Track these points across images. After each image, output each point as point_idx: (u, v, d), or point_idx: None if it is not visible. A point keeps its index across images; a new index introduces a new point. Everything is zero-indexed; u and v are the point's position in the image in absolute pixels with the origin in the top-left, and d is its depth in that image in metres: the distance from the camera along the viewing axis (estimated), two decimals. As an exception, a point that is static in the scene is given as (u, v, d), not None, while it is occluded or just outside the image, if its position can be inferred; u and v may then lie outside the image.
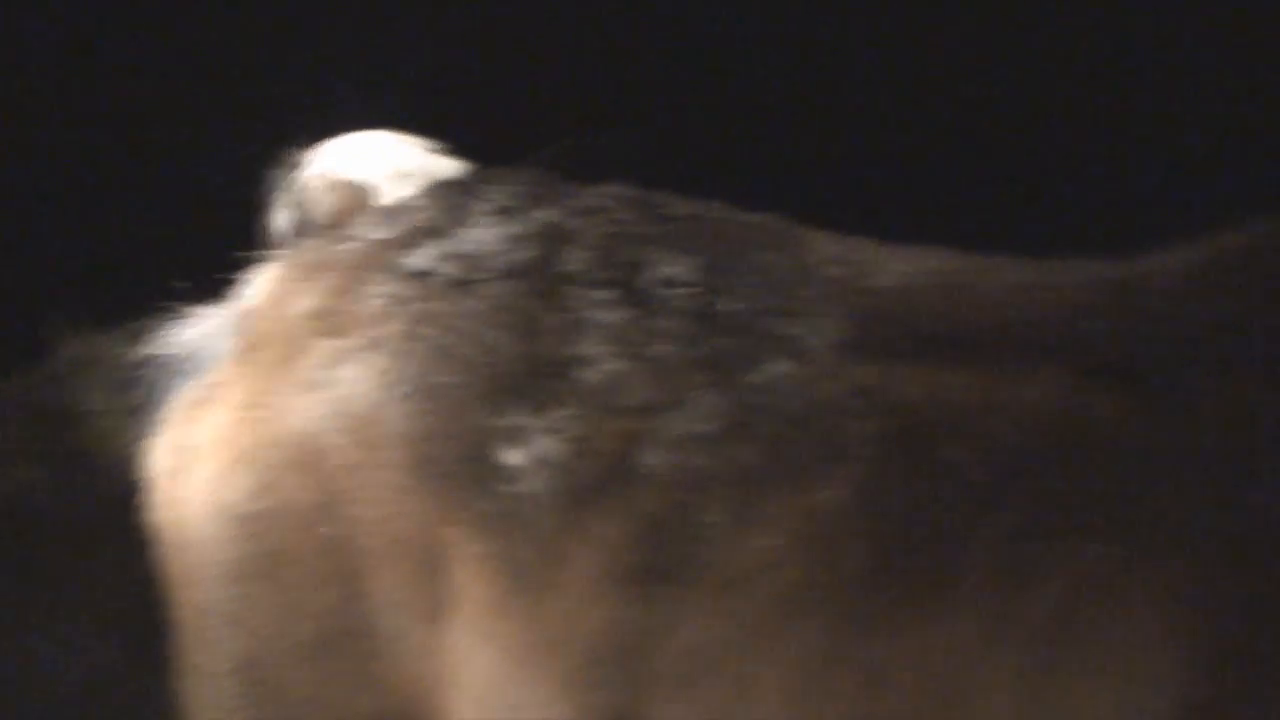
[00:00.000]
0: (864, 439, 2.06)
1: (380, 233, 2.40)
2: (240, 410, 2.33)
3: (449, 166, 2.72)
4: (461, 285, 2.26)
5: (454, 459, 2.18)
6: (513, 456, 2.17)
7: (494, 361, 2.20)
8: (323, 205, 2.56)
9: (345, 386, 2.25)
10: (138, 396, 2.50)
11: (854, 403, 2.10)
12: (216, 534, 2.32)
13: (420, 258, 2.33)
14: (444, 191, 2.43)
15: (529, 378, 2.20)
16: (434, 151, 2.86)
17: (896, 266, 2.25)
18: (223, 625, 2.34)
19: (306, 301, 2.34)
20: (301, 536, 2.27)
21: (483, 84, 3.88)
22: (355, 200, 2.55)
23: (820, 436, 2.09)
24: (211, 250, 2.48)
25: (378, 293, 2.29)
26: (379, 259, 2.36)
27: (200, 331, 2.47)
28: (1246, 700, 1.93)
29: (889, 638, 2.02)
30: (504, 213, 2.36)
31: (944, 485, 2.03)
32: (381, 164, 2.82)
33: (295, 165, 2.66)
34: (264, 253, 2.50)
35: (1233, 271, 2.08)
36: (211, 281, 2.50)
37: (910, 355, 2.12)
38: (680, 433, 2.16)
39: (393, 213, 2.44)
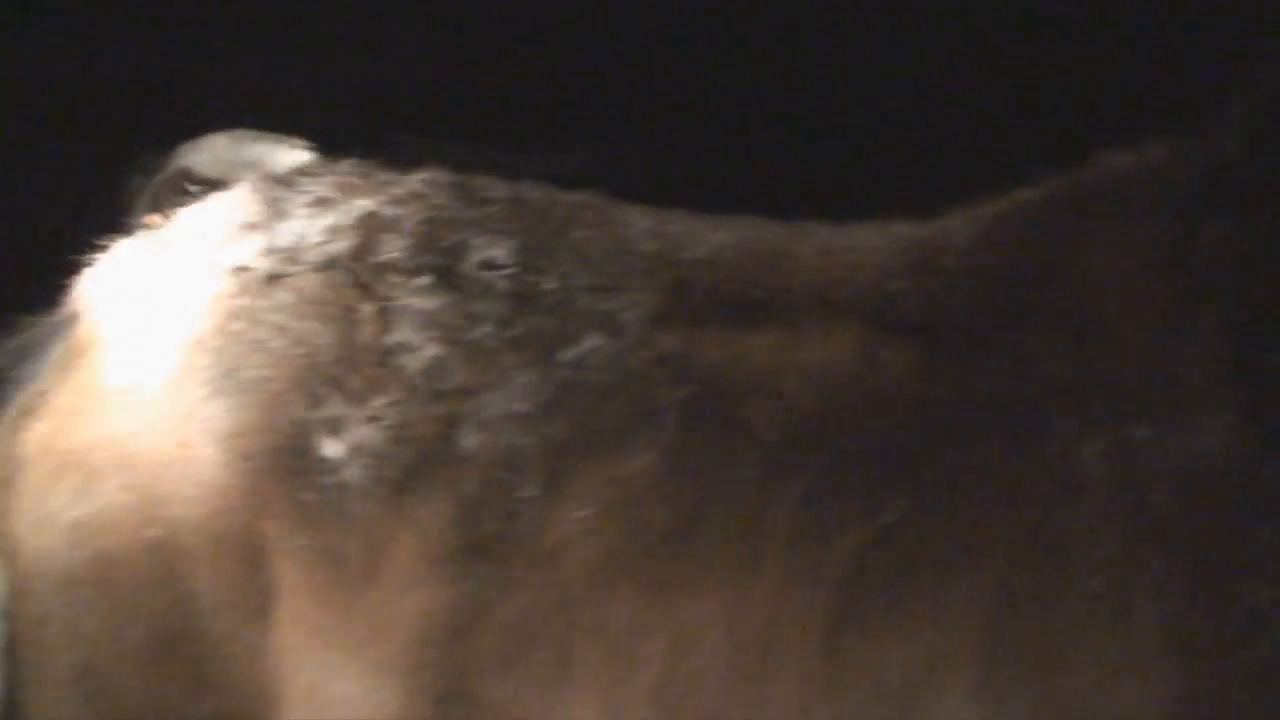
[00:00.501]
0: (669, 406, 2.07)
1: (200, 230, 2.39)
2: (62, 416, 2.31)
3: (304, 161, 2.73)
4: (275, 279, 2.24)
5: (270, 452, 2.16)
6: (331, 447, 2.16)
7: (309, 353, 2.19)
8: (176, 205, 2.55)
9: (161, 386, 2.23)
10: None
11: (661, 372, 2.11)
12: (45, 543, 2.30)
13: (238, 253, 2.31)
14: (264, 186, 2.41)
15: (345, 367, 2.18)
16: (295, 148, 2.87)
17: (709, 237, 2.25)
18: (58, 635, 2.31)
19: (124, 303, 2.32)
20: (126, 540, 2.25)
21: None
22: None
23: (628, 407, 2.10)
24: (50, 255, 2.46)
25: (194, 290, 2.28)
26: (197, 256, 2.34)
27: (28, 339, 2.44)
28: (1038, 639, 1.93)
29: (695, 600, 2.02)
30: (322, 204, 2.35)
31: (744, 447, 2.04)
32: (238, 162, 2.82)
33: (153, 168, 2.65)
34: (92, 257, 2.47)
35: (1021, 226, 2.09)
36: (48, 288, 2.48)
37: (717, 322, 2.13)
38: (496, 413, 2.15)
39: (214, 210, 2.42)
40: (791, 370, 2.06)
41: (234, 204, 2.41)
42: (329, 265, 2.24)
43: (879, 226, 2.18)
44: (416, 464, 2.14)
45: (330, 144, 2.67)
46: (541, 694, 2.09)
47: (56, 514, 2.28)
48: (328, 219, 2.32)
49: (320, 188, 2.37)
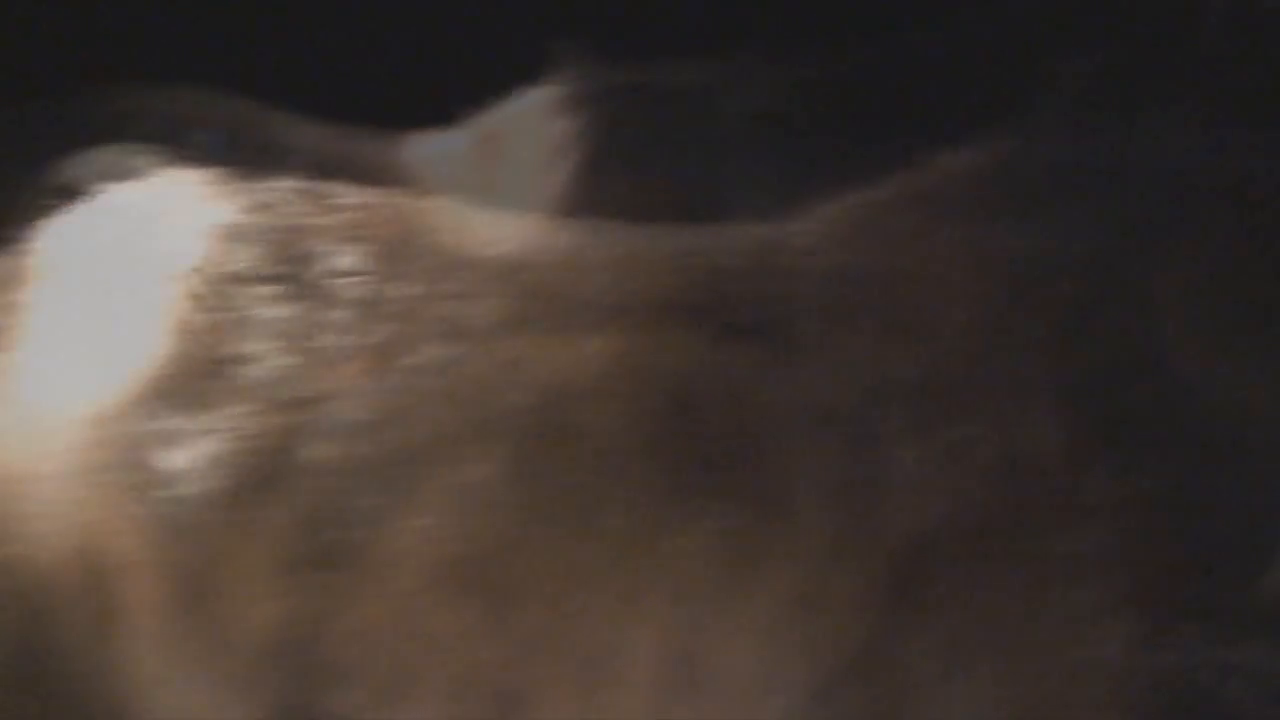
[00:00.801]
0: (511, 413, 2.05)
1: (53, 242, 2.37)
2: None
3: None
4: (115, 290, 2.23)
5: (112, 467, 2.15)
6: (170, 460, 2.15)
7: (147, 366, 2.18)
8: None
9: (16, 401, 2.23)
10: None
11: (504, 378, 2.09)
12: None
13: (110, 273, 2.31)
14: (126, 197, 2.40)
15: (183, 380, 2.17)
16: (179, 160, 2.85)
17: (561, 241, 2.23)
18: None
19: None
20: None
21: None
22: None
23: (470, 414, 2.08)
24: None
25: (41, 303, 2.27)
26: (50, 269, 2.33)
27: None
28: (857, 638, 1.92)
29: (536, 608, 2.01)
30: (173, 214, 2.34)
31: (581, 452, 2.02)
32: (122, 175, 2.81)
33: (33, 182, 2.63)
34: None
35: (858, 227, 2.09)
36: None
37: (559, 328, 2.11)
38: (337, 423, 2.13)
39: (78, 223, 2.41)
40: (629, 375, 2.05)
41: (97, 215, 2.41)
42: (173, 276, 2.23)
43: (723, 228, 2.16)
44: (256, 476, 2.13)
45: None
46: (382, 706, 2.07)
47: None
48: (177, 229, 2.31)
49: (174, 198, 2.36)
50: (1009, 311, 1.95)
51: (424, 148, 2.38)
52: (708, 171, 2.15)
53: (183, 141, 2.52)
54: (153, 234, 2.30)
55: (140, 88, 2.64)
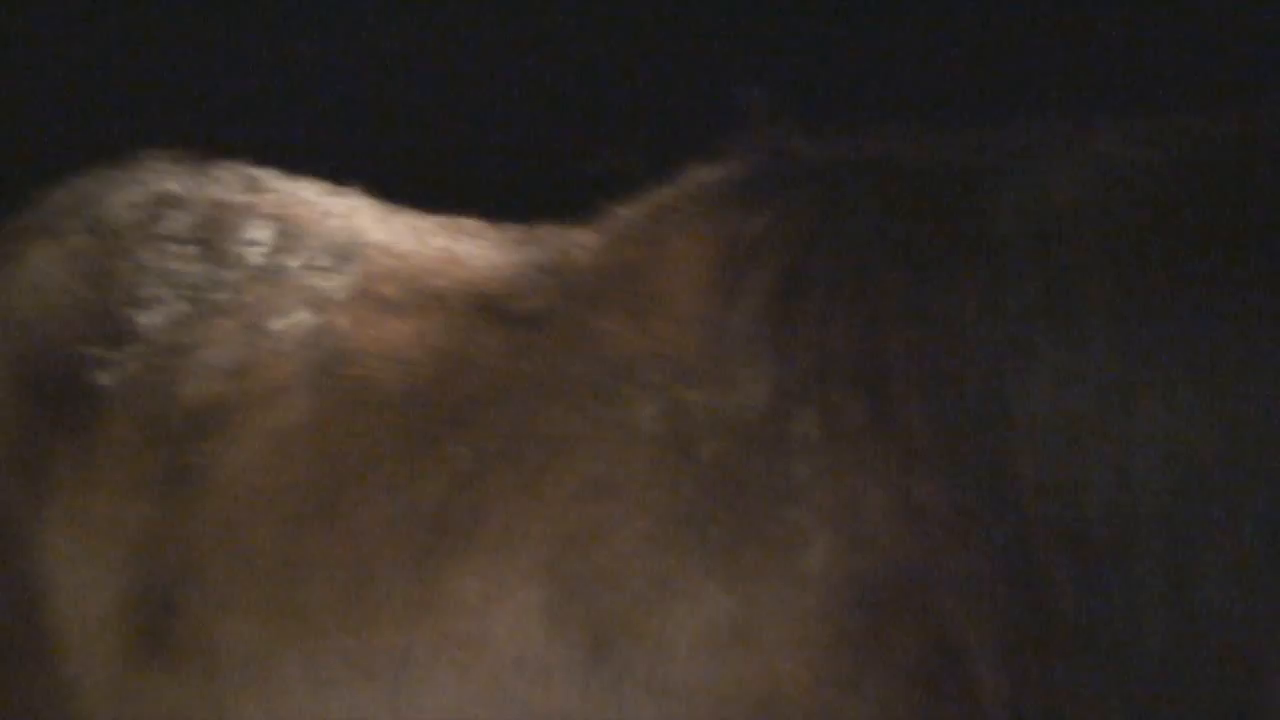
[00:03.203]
0: (319, 371, 2.40)
1: (57, 202, 2.84)
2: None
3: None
4: (60, 237, 2.67)
5: (49, 379, 2.58)
6: (100, 378, 2.56)
7: (71, 302, 2.60)
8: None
9: None
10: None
11: (324, 342, 2.43)
12: None
13: (68, 222, 2.76)
14: (108, 172, 2.85)
15: (99, 317, 2.59)
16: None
17: (420, 237, 2.59)
18: None
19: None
20: None
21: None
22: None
23: (293, 369, 2.43)
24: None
25: (10, 252, 2.73)
26: (44, 225, 2.79)
27: None
28: (593, 567, 2.19)
29: (318, 534, 2.34)
30: (136, 183, 2.77)
31: (372, 406, 2.38)
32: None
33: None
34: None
35: (619, 227, 2.39)
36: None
37: (383, 307, 2.46)
38: (206, 367, 2.51)
39: (84, 184, 2.87)
40: (419, 348, 2.41)
41: (90, 183, 2.86)
42: (98, 230, 2.66)
43: (531, 232, 2.48)
44: (144, 400, 2.53)
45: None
46: (215, 601, 2.43)
47: None
48: (136, 196, 2.75)
49: (151, 174, 2.81)
50: (733, 289, 2.18)
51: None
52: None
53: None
54: (106, 200, 2.74)
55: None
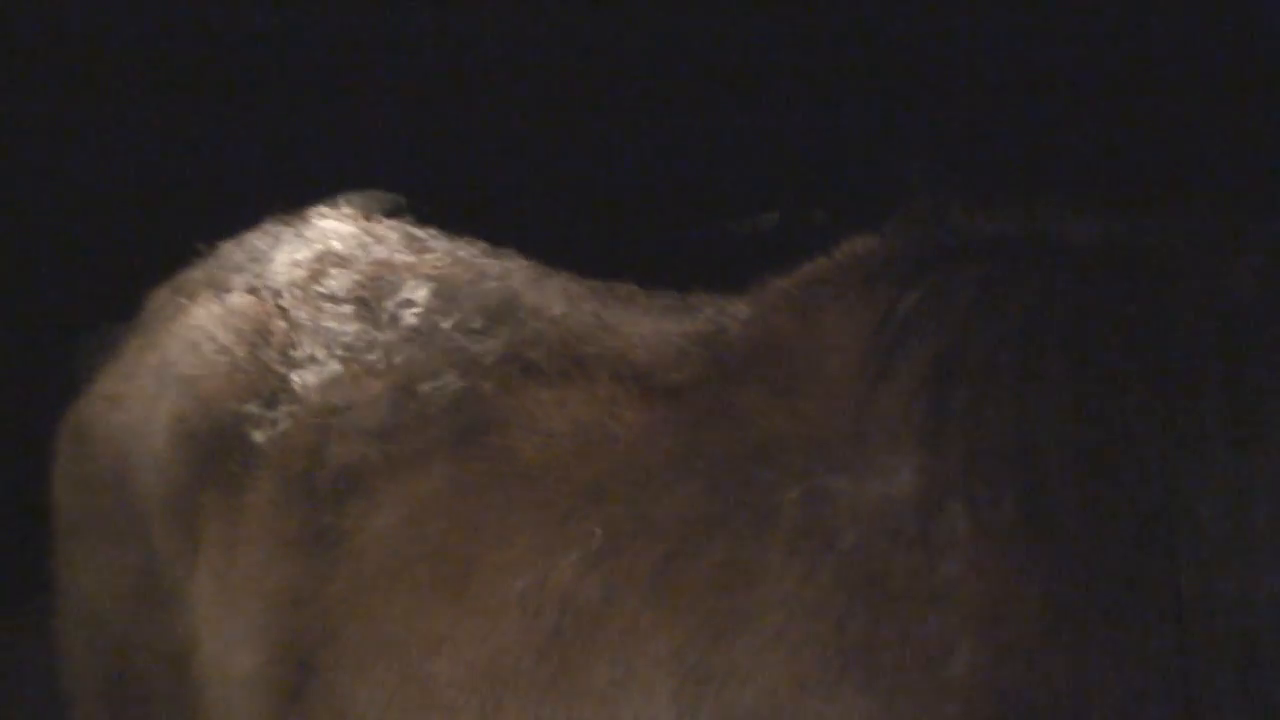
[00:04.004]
0: (457, 439, 2.35)
1: (226, 257, 2.86)
2: (94, 397, 2.85)
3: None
4: (221, 296, 2.69)
5: (208, 435, 2.59)
6: (248, 438, 2.56)
7: (229, 360, 2.61)
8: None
9: (135, 372, 2.73)
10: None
11: (467, 407, 2.39)
12: (62, 499, 2.83)
13: (235, 278, 2.78)
14: (276, 224, 2.87)
15: (256, 374, 2.59)
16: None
17: (572, 303, 2.52)
18: (69, 579, 2.84)
19: (146, 316, 2.84)
20: (111, 501, 2.74)
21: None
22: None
23: (434, 434, 2.39)
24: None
25: (176, 306, 2.76)
26: (211, 279, 2.82)
27: (107, 340, 3.00)
28: (725, 658, 2.08)
29: (449, 606, 2.30)
30: (301, 240, 2.78)
31: (511, 475, 2.32)
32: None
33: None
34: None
35: (772, 301, 2.30)
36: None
37: (532, 373, 2.40)
38: (353, 428, 2.49)
39: (244, 242, 2.90)
40: (560, 418, 2.34)
41: (259, 237, 2.88)
42: (259, 289, 2.66)
43: (684, 301, 2.39)
44: (298, 458, 2.52)
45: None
46: (350, 666, 2.40)
47: (68, 473, 2.81)
48: (300, 253, 2.75)
49: (317, 231, 2.81)
50: (883, 373, 2.06)
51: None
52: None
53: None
54: (272, 257, 2.75)
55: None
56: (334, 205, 3.20)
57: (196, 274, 2.86)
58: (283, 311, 2.65)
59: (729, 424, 2.17)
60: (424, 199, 3.08)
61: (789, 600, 2.05)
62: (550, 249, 2.73)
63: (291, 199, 3.03)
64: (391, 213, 2.97)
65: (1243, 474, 1.81)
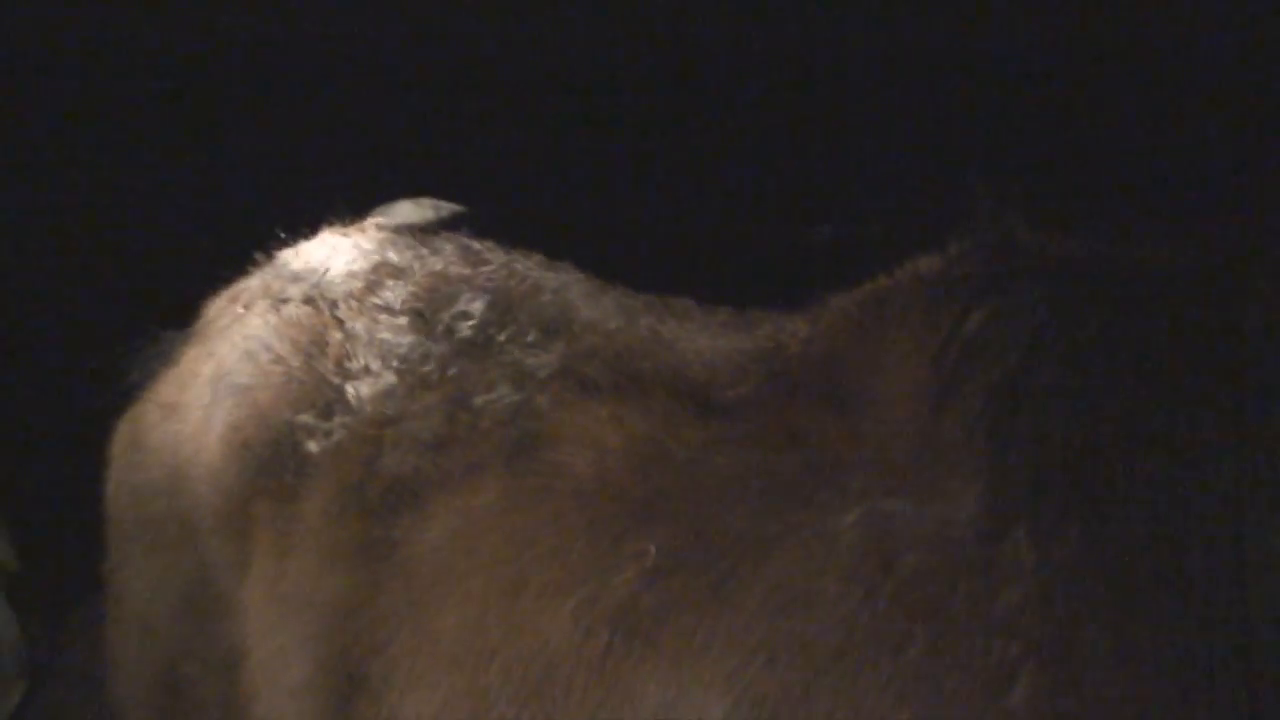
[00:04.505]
0: (510, 452, 2.33)
1: (284, 266, 2.86)
2: (147, 403, 2.85)
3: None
4: (278, 307, 2.68)
5: (264, 444, 2.58)
6: (303, 448, 2.55)
7: (285, 370, 2.60)
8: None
9: (190, 382, 2.72)
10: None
11: (521, 421, 2.37)
12: (115, 506, 2.83)
13: (292, 288, 2.77)
14: (334, 234, 2.86)
15: (312, 384, 2.58)
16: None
17: (627, 317, 2.50)
18: (121, 583, 2.83)
19: (203, 324, 2.84)
20: (164, 508, 2.74)
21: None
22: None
23: (488, 447, 2.37)
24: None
25: (233, 315, 2.75)
26: (268, 289, 2.81)
27: (162, 348, 2.99)
28: (779, 683, 2.05)
29: (501, 620, 2.27)
30: (358, 251, 2.77)
31: (564, 491, 2.29)
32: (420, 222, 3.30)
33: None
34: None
35: (831, 320, 2.27)
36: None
37: (587, 388, 2.38)
38: (408, 439, 2.47)
39: (303, 252, 2.89)
40: (614, 433, 2.31)
41: (316, 247, 2.88)
42: (315, 300, 2.65)
43: (742, 316, 2.36)
44: (351, 469, 2.50)
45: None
46: (399, 679, 2.38)
47: (123, 480, 2.81)
48: (356, 264, 2.74)
49: (374, 242, 2.80)
50: (945, 395, 2.03)
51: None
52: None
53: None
54: (329, 267, 2.75)
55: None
56: (391, 216, 3.20)
57: (254, 283, 2.85)
58: (339, 322, 2.64)
59: (787, 443, 2.14)
60: (480, 209, 3.08)
61: (846, 624, 2.01)
62: (604, 261, 2.71)
63: (349, 207, 3.03)
64: (449, 224, 2.96)
65: None
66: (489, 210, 3.24)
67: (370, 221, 2.92)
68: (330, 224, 2.94)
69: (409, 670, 2.37)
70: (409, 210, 3.46)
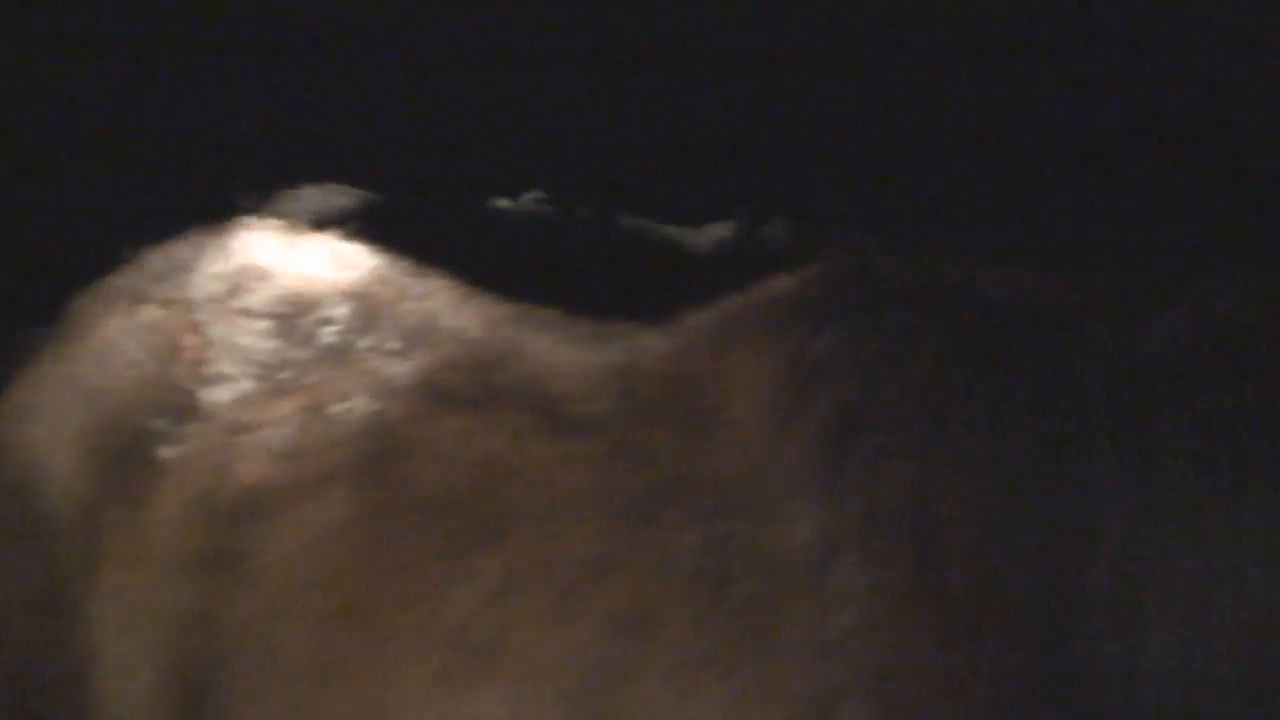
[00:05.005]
0: (361, 464, 2.29)
1: (148, 266, 2.80)
2: (10, 404, 2.78)
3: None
4: (135, 309, 2.62)
5: (113, 451, 2.53)
6: (155, 455, 2.50)
7: (137, 375, 2.55)
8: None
9: (45, 383, 2.67)
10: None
11: (375, 432, 2.33)
12: None
13: (152, 288, 2.71)
14: (201, 234, 2.81)
15: (164, 390, 2.53)
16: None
17: (491, 327, 2.47)
18: None
19: (65, 323, 2.78)
20: (20, 510, 2.68)
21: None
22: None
23: (340, 458, 2.33)
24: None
25: (95, 314, 2.70)
26: (129, 290, 2.75)
27: (25, 346, 2.92)
28: (614, 705, 2.04)
29: (344, 636, 2.25)
30: (224, 251, 2.72)
31: (403, 506, 2.27)
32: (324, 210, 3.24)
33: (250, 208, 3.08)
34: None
35: (682, 337, 2.25)
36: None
37: (443, 400, 2.34)
38: (260, 448, 2.43)
39: (175, 250, 2.83)
40: (464, 447, 2.28)
41: (190, 245, 2.82)
42: (173, 303, 2.60)
43: (602, 327, 2.33)
44: (202, 477, 2.46)
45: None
46: (240, 693, 2.34)
47: None
48: (220, 265, 2.69)
49: (241, 244, 2.75)
50: (788, 415, 2.03)
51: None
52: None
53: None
54: (192, 269, 2.69)
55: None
56: (297, 202, 3.14)
57: (118, 281, 2.80)
58: (197, 326, 2.59)
59: (636, 462, 2.12)
60: (390, 197, 3.01)
61: (679, 647, 2.00)
62: (480, 260, 2.66)
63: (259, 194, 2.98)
64: (349, 214, 2.91)
65: (1133, 542, 1.76)
66: (399, 199, 3.19)
67: (238, 221, 2.86)
68: (235, 211, 2.88)
69: (250, 684, 2.34)
70: (315, 196, 3.40)
